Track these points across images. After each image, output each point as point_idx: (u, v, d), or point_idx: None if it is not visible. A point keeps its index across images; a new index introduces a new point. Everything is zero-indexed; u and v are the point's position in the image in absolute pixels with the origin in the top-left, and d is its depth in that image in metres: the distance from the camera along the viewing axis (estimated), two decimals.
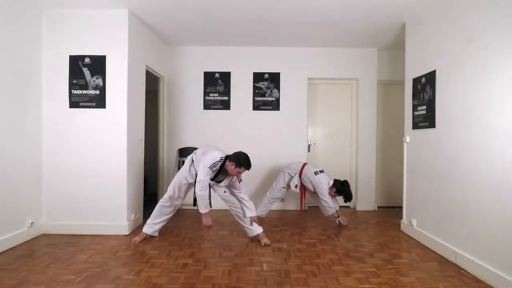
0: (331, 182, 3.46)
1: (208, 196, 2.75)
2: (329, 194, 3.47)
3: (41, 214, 3.15)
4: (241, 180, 2.88)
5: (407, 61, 3.37)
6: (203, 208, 2.72)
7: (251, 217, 2.92)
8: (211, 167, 2.66)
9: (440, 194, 2.75)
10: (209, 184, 2.78)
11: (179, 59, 4.39)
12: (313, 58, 4.39)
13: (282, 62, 4.38)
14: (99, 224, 3.14)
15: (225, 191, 2.97)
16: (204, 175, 2.66)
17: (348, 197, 3.48)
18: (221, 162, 2.72)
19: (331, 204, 3.45)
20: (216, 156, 2.71)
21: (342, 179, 3.52)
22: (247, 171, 2.76)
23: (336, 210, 3.56)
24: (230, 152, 2.89)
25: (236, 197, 2.95)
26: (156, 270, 2.29)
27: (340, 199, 3.61)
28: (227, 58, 4.37)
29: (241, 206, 2.94)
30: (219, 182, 2.88)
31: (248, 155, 2.74)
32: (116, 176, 3.16)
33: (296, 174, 3.61)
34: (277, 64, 4.38)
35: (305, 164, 3.65)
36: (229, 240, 3.00)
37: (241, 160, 2.67)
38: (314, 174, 3.47)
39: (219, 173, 2.78)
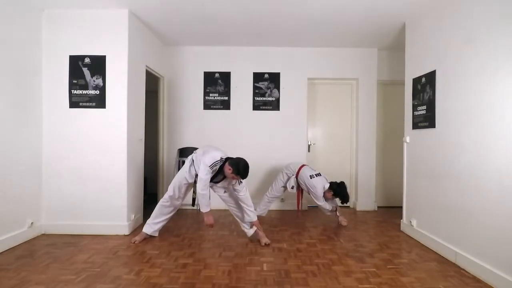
0: (327, 186, 3.46)
1: (209, 196, 2.75)
2: (326, 197, 3.50)
3: (41, 214, 3.14)
4: (241, 182, 2.82)
5: (407, 61, 3.37)
6: (204, 207, 2.72)
7: (251, 222, 2.92)
8: (211, 166, 2.66)
9: (440, 194, 2.75)
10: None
11: (179, 59, 4.39)
12: (313, 58, 4.39)
13: (282, 62, 4.38)
14: (99, 224, 3.14)
15: (224, 191, 2.97)
16: (205, 174, 2.66)
17: (344, 198, 3.50)
18: (221, 163, 2.71)
19: (326, 207, 3.50)
20: (216, 156, 2.71)
21: (339, 181, 3.53)
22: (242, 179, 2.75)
23: (337, 209, 3.57)
24: (230, 153, 2.89)
25: (237, 199, 2.93)
26: (156, 270, 2.29)
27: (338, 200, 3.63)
28: (227, 58, 4.37)
29: (242, 210, 2.93)
30: (217, 182, 2.88)
31: (248, 164, 2.70)
32: (116, 176, 3.16)
33: (293, 175, 3.62)
34: (277, 64, 4.38)
35: (302, 165, 3.64)
36: (229, 240, 3.00)
37: (240, 168, 2.64)
38: (309, 177, 3.46)
39: (218, 174, 2.78)
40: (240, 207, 2.95)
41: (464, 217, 2.44)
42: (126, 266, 2.38)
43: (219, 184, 2.90)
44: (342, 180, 3.60)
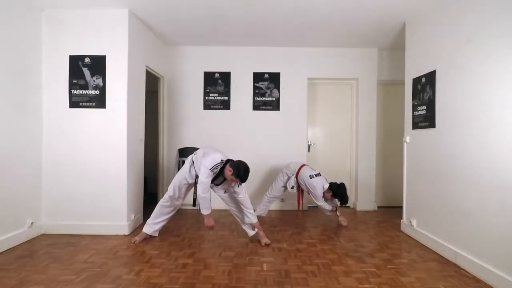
0: (327, 186, 3.45)
1: (210, 198, 2.75)
2: (326, 197, 3.50)
3: (41, 214, 3.14)
4: (240, 184, 2.81)
5: (407, 61, 3.37)
6: (205, 210, 2.72)
7: (252, 224, 2.92)
8: (212, 169, 2.66)
9: (440, 194, 2.75)
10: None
11: (179, 59, 4.39)
12: (313, 58, 4.39)
13: (282, 62, 4.38)
14: (99, 224, 3.14)
15: (225, 192, 2.97)
16: (205, 177, 2.65)
17: (343, 200, 3.49)
18: (222, 165, 2.71)
19: (325, 207, 3.51)
20: (216, 158, 2.70)
21: (339, 182, 3.51)
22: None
23: (337, 209, 3.58)
24: (230, 153, 2.88)
25: (237, 200, 2.93)
26: (156, 270, 2.29)
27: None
28: (227, 58, 4.37)
29: (242, 212, 2.93)
30: (217, 184, 2.88)
31: (249, 168, 2.70)
32: (116, 176, 3.16)
33: (293, 175, 3.62)
34: (277, 64, 4.38)
35: (302, 165, 3.64)
36: (229, 240, 3.00)
37: (240, 172, 2.65)
38: (309, 177, 3.46)
39: (219, 175, 2.77)
40: (240, 208, 2.94)
41: (464, 217, 2.44)
42: (126, 266, 2.38)
43: (220, 186, 2.90)
44: (342, 180, 3.60)
